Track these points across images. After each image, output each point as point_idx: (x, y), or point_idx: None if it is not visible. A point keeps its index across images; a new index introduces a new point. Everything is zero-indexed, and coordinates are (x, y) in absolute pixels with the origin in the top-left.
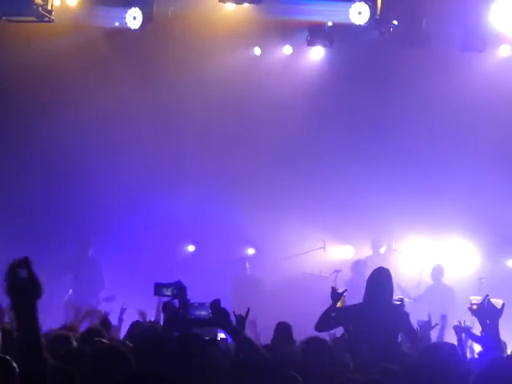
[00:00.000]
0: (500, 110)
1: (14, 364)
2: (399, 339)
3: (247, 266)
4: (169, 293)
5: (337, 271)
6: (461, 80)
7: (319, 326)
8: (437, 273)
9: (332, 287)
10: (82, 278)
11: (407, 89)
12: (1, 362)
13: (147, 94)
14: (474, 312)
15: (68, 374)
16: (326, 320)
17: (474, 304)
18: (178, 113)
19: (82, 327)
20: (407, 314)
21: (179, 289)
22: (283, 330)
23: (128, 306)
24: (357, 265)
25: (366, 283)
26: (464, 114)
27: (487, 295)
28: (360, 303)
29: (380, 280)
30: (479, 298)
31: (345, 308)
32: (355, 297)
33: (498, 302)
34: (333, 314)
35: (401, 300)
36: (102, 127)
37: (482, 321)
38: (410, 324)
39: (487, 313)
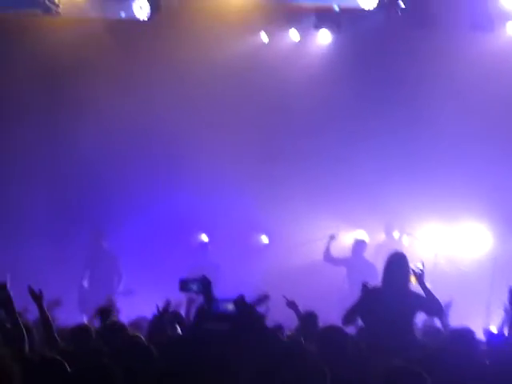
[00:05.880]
0: (509, 89)
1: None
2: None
3: None
4: (195, 288)
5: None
6: (470, 60)
7: (345, 320)
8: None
9: (363, 283)
10: (99, 271)
11: (416, 72)
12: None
13: (155, 85)
14: None
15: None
16: (352, 313)
17: None
18: (187, 104)
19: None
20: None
21: (205, 284)
22: (309, 318)
23: (147, 300)
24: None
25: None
26: (475, 95)
27: None
28: (376, 289)
29: (396, 264)
30: None
31: (363, 297)
32: None
33: None
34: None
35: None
36: (114, 121)
37: None
38: (428, 299)
39: None
